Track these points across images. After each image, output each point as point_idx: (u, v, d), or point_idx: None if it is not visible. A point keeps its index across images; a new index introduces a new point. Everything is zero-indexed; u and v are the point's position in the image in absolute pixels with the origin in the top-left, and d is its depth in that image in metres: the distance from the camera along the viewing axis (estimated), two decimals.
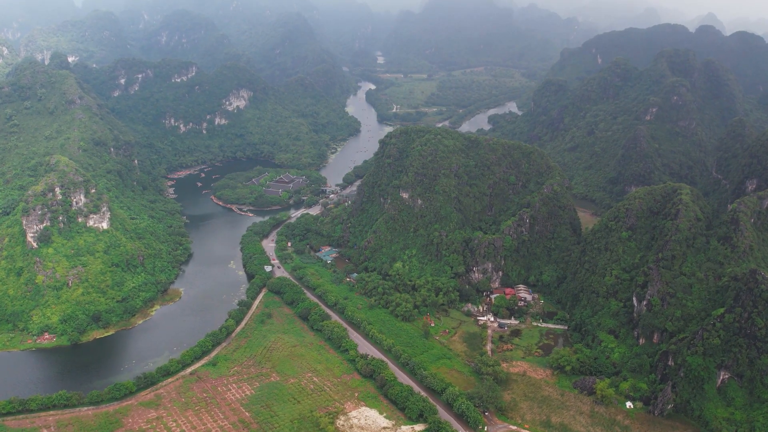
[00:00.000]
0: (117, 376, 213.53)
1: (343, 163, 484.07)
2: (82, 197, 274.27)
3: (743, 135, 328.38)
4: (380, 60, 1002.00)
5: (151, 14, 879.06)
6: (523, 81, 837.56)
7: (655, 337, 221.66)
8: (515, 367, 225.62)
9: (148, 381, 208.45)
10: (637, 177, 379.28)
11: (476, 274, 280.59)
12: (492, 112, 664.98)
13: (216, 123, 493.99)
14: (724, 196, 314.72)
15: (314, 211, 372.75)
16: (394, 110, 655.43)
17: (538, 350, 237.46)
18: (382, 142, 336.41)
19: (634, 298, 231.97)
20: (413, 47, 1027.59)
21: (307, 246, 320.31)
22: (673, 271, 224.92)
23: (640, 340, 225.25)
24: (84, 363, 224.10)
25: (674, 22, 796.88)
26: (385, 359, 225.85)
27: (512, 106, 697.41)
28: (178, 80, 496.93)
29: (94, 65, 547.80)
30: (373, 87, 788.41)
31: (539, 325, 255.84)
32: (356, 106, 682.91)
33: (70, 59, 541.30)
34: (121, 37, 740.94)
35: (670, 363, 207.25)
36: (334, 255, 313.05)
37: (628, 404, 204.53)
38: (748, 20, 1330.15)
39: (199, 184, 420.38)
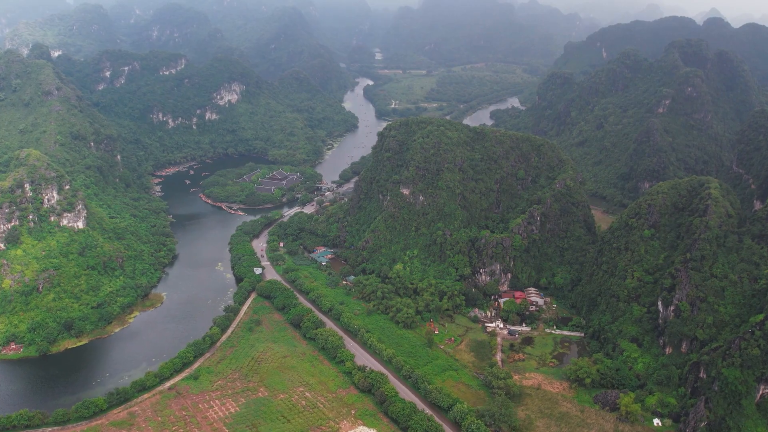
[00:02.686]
0: (88, 392, 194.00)
1: (339, 159, 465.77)
2: (55, 194, 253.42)
3: (767, 127, 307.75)
4: (378, 56, 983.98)
5: (143, 9, 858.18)
6: (524, 77, 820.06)
7: (684, 346, 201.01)
8: (528, 379, 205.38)
9: (121, 397, 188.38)
10: (650, 172, 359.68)
11: (483, 277, 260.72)
12: (493, 107, 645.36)
13: (206, 118, 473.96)
14: (747, 192, 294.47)
15: (309, 209, 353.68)
16: (393, 106, 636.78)
17: (553, 360, 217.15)
18: (381, 135, 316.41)
19: (659, 303, 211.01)
20: (412, 43, 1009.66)
21: (301, 246, 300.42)
22: (703, 273, 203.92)
23: (667, 350, 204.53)
24: (52, 376, 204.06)
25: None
26: (384, 371, 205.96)
27: (514, 102, 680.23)
28: (167, 73, 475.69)
29: (83, 60, 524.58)
30: (370, 83, 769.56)
31: (553, 332, 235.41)
32: (354, 102, 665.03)
33: (56, 53, 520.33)
34: (111, 32, 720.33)
35: (702, 375, 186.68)
36: (329, 256, 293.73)
37: (656, 421, 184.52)
38: (752, 16, 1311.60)
39: (188, 182, 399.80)
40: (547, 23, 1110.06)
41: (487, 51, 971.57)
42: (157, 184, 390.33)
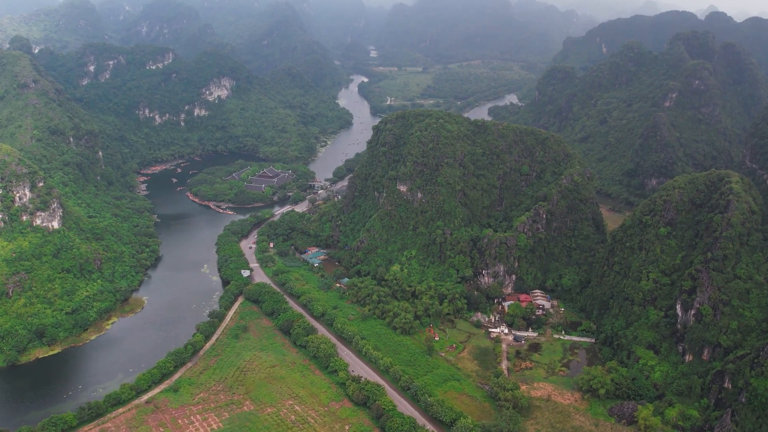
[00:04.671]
0: (57, 406, 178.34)
1: (333, 156, 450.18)
2: (27, 192, 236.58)
3: None
4: (373, 54, 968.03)
5: (133, 6, 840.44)
6: (522, 74, 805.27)
7: (706, 353, 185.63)
8: (537, 389, 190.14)
9: (93, 412, 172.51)
10: (657, 168, 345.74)
11: (486, 279, 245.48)
12: (491, 105, 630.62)
13: (195, 114, 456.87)
14: (763, 188, 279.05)
15: (301, 208, 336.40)
16: (389, 102, 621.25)
17: (563, 368, 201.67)
18: (377, 129, 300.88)
19: (678, 307, 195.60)
20: (407, 41, 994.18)
21: (292, 247, 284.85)
22: (725, 273, 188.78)
23: (687, 357, 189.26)
24: (19, 389, 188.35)
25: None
26: (381, 382, 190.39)
27: (512, 99, 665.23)
28: (153, 67, 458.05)
29: (65, 54, 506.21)
30: (365, 80, 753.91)
31: (561, 337, 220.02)
32: (348, 99, 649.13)
33: (38, 48, 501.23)
34: (99, 28, 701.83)
35: (726, 386, 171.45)
36: (322, 257, 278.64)
37: None
38: (749, 13, 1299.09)
39: (175, 180, 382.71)
40: (544, 20, 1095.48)
41: (483, 48, 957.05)
42: (143, 182, 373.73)
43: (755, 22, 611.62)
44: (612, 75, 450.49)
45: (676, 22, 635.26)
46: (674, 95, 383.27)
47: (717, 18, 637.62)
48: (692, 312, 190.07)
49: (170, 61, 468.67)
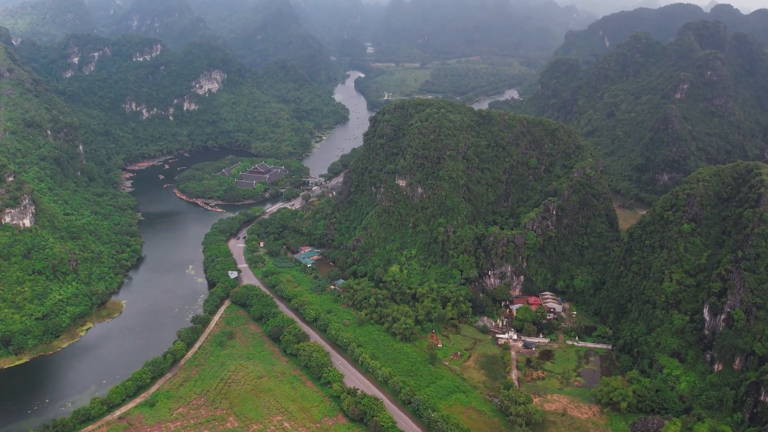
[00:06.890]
0: (19, 423, 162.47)
1: (329, 152, 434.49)
2: None
3: None
4: (370, 50, 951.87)
5: (124, 0, 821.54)
6: (522, 69, 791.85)
7: (737, 362, 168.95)
8: (551, 402, 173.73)
9: (58, 430, 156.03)
10: (669, 163, 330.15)
11: (492, 280, 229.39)
12: (491, 100, 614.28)
13: (184, 108, 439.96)
14: None
15: (294, 205, 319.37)
16: (386, 97, 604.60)
17: (578, 378, 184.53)
18: (374, 120, 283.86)
19: (705, 311, 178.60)
20: (405, 37, 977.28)
21: (283, 246, 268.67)
22: (759, 274, 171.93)
23: (716, 366, 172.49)
24: None
25: None
26: (380, 395, 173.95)
27: (513, 94, 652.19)
28: (141, 59, 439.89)
29: (48, 45, 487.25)
30: (362, 75, 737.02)
31: (575, 344, 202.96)
32: (344, 94, 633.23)
33: (18, 41, 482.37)
34: (88, 21, 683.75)
35: (763, 398, 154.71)
36: (315, 257, 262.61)
37: None
38: (750, 9, 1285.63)
39: (162, 177, 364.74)
40: (543, 15, 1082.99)
41: (482, 44, 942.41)
42: (128, 179, 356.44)
43: (763, 14, 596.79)
44: (619, 66, 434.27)
45: (681, 14, 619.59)
46: (685, 86, 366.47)
47: (723, 10, 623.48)
48: (722, 316, 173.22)
49: (158, 52, 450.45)
